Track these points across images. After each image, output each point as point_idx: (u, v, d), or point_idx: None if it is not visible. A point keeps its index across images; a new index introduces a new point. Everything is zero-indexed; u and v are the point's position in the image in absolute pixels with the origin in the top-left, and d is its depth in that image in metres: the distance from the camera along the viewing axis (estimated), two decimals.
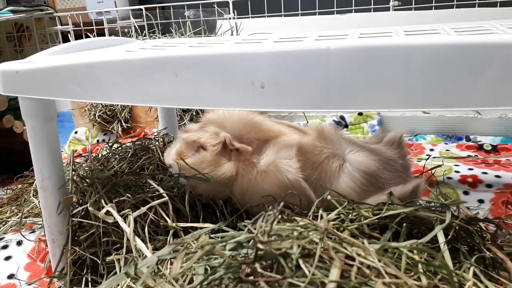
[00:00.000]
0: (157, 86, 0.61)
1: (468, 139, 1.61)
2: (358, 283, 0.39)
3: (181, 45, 0.94)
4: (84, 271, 0.79)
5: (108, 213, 0.69)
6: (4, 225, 1.04)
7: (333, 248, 0.42)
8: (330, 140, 0.75)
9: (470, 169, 1.21)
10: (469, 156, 1.41)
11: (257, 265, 0.42)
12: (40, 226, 1.01)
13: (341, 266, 0.41)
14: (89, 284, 0.78)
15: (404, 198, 0.69)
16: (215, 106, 0.60)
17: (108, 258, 0.62)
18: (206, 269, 0.47)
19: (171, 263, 0.55)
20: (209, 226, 0.63)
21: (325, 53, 0.53)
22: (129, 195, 0.70)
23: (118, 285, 0.56)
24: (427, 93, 0.51)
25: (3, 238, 0.99)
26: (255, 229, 0.44)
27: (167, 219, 0.64)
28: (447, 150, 1.50)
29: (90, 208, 0.70)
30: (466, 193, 1.10)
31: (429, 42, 0.51)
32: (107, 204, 0.69)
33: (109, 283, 0.49)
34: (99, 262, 0.75)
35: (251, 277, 0.42)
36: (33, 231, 1.01)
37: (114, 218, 0.66)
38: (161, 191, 0.69)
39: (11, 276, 0.89)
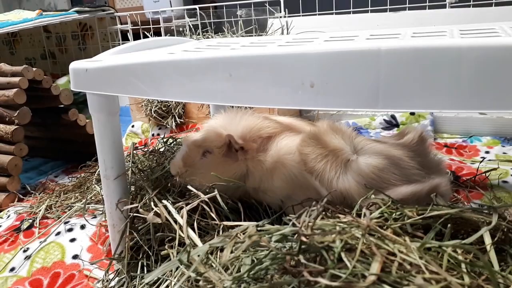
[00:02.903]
0: (212, 84, 0.65)
1: None
2: (399, 277, 0.41)
3: (234, 44, 0.98)
4: (140, 256, 0.86)
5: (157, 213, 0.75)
6: (69, 210, 1.13)
7: (375, 244, 0.44)
8: (336, 134, 0.75)
9: None
10: None
11: (300, 256, 0.44)
12: (101, 212, 1.09)
13: (382, 261, 0.43)
14: (144, 268, 0.84)
15: (419, 197, 0.67)
16: (266, 104, 0.63)
17: (163, 252, 0.67)
18: (252, 260, 0.51)
19: (221, 253, 0.59)
20: (253, 223, 0.66)
21: (375, 53, 0.55)
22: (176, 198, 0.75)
23: (172, 270, 0.60)
24: (480, 95, 0.51)
25: (68, 221, 1.08)
26: (299, 223, 0.46)
27: (215, 217, 0.68)
28: (504, 153, 1.44)
29: (140, 210, 0.76)
30: None
31: (480, 44, 0.51)
32: (156, 205, 0.74)
33: (164, 268, 0.54)
34: (154, 249, 0.81)
35: (296, 268, 0.44)
36: (95, 217, 1.10)
37: (165, 215, 0.72)
38: (202, 196, 0.72)
39: (75, 257, 0.97)
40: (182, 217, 0.65)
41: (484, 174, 1.13)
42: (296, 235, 0.45)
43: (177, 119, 1.87)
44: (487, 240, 0.53)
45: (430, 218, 0.55)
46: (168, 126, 1.92)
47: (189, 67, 0.67)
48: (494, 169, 1.15)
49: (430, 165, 0.78)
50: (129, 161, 0.91)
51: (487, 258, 0.52)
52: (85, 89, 0.78)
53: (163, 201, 0.72)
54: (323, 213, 0.49)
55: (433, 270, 0.42)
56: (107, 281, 0.87)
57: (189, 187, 0.72)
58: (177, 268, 0.55)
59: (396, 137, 0.84)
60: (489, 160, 1.36)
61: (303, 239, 0.45)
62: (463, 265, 0.46)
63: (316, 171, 0.73)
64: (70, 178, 1.45)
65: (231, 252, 0.48)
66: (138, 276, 0.83)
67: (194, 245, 0.61)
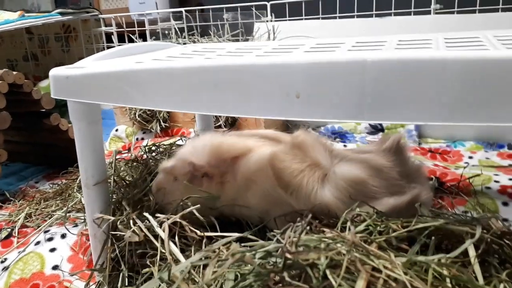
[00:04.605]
0: (197, 94, 0.64)
1: (510, 147, 1.56)
2: None
3: (220, 50, 0.97)
4: (122, 267, 0.84)
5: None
6: (50, 218, 1.11)
7: (360, 260, 0.43)
8: (310, 148, 0.73)
9: (510, 179, 1.17)
10: (510, 165, 1.37)
11: (285, 274, 0.43)
12: (82, 220, 1.07)
13: (367, 278, 0.42)
14: (126, 280, 0.82)
15: (400, 209, 0.66)
16: (251, 114, 0.62)
17: (144, 270, 0.65)
18: (236, 275, 0.50)
19: (203, 269, 0.58)
20: (235, 234, 0.65)
21: (361, 64, 0.54)
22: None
23: None
24: (464, 107, 0.51)
25: (48, 230, 1.06)
26: (283, 239, 0.45)
27: (194, 230, 0.67)
28: (487, 158, 1.45)
29: (119, 226, 0.75)
30: (505, 204, 1.06)
31: (465, 56, 0.51)
32: (134, 223, 0.73)
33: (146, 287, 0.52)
34: (134, 262, 0.80)
35: (280, 285, 0.43)
36: (76, 225, 1.07)
37: (145, 232, 0.70)
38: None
39: (55, 267, 0.95)
40: (164, 231, 0.64)
41: (468, 180, 1.14)
42: (281, 252, 0.44)
43: (162, 123, 1.85)
44: (471, 252, 0.53)
45: (415, 230, 0.55)
46: (152, 131, 1.89)
47: (174, 75, 0.65)
48: (478, 175, 1.16)
49: (409, 173, 0.77)
50: (111, 169, 0.89)
51: (471, 271, 0.52)
52: (66, 97, 0.76)
53: (145, 213, 0.70)
54: (307, 228, 0.48)
55: (418, 287, 0.41)
56: None
57: (158, 214, 0.71)
58: (159, 286, 0.53)
59: (377, 145, 0.84)
60: (473, 165, 1.37)
61: (288, 255, 0.44)
62: (447, 280, 0.46)
63: (292, 187, 0.71)
64: (51, 185, 1.42)
65: (215, 269, 0.46)
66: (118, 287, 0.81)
67: (176, 260, 0.60)
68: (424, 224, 0.55)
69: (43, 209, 1.15)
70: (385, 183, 0.71)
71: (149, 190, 0.85)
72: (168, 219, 0.67)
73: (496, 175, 1.21)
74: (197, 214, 0.68)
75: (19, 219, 1.11)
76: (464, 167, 1.21)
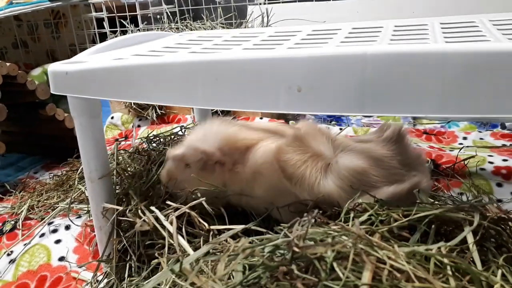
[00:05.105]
0: (198, 88, 0.65)
1: (503, 127, 1.58)
2: (389, 286, 0.42)
3: (216, 39, 0.97)
4: (128, 258, 0.86)
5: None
6: (52, 210, 1.12)
7: (365, 252, 0.45)
8: (313, 139, 0.75)
9: (504, 160, 1.20)
10: (503, 145, 1.39)
11: (293, 266, 0.45)
12: (85, 212, 1.08)
13: (372, 269, 0.44)
14: (133, 269, 0.84)
15: (400, 197, 0.68)
16: (253, 108, 0.63)
17: (154, 261, 0.67)
18: (244, 266, 0.51)
19: (212, 261, 0.60)
20: (241, 226, 0.66)
21: (361, 58, 0.55)
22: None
23: (162, 282, 0.59)
24: (463, 100, 0.52)
25: (52, 222, 1.07)
26: (290, 233, 0.47)
27: (202, 222, 0.68)
28: (481, 138, 1.48)
29: (128, 214, 0.76)
30: (499, 185, 1.09)
31: (464, 49, 0.52)
32: (143, 213, 0.74)
33: (157, 279, 0.54)
34: (141, 252, 0.81)
35: (288, 277, 0.45)
36: (79, 216, 1.08)
37: (153, 222, 0.72)
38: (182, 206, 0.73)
39: (61, 259, 0.96)
40: (171, 223, 0.65)
41: (463, 162, 1.16)
42: (288, 246, 0.46)
43: (157, 110, 1.85)
44: (470, 239, 0.56)
45: (418, 220, 0.57)
46: (148, 118, 1.89)
47: (175, 70, 0.66)
48: (472, 156, 1.19)
49: (409, 161, 0.78)
50: (113, 161, 0.90)
51: (470, 258, 0.54)
52: (66, 93, 0.76)
53: (151, 207, 0.72)
54: (313, 220, 0.50)
55: (421, 276, 0.44)
56: (95, 283, 0.87)
57: (168, 202, 0.72)
58: (169, 278, 0.55)
59: (377, 133, 0.85)
60: (467, 146, 1.39)
61: (296, 249, 0.46)
62: (448, 268, 0.48)
63: (296, 177, 0.73)
64: (51, 175, 1.43)
65: (226, 264, 0.48)
66: (126, 278, 0.83)
67: (184, 253, 0.62)
68: (424, 213, 0.57)
69: (45, 201, 1.16)
70: (386, 172, 0.72)
71: (156, 179, 0.86)
72: (178, 209, 0.68)
73: (490, 156, 1.23)
74: (206, 205, 0.69)
75: (22, 211, 1.12)
76: (460, 149, 1.23)
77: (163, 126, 1.79)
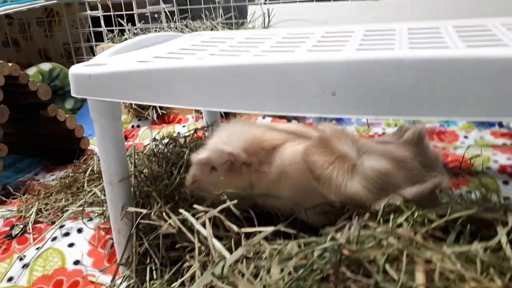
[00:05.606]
0: (228, 92, 0.65)
1: (501, 125, 1.62)
2: (444, 287, 0.43)
3: (229, 40, 0.97)
4: (148, 261, 0.85)
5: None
6: (62, 212, 1.10)
7: (415, 253, 0.46)
8: (338, 141, 0.76)
9: (508, 158, 1.23)
10: (504, 144, 1.43)
11: (344, 269, 0.46)
12: (97, 214, 1.07)
13: (424, 271, 0.45)
14: (154, 272, 0.83)
15: (422, 197, 0.69)
16: (286, 112, 0.63)
17: (186, 264, 0.67)
18: (281, 270, 0.51)
19: (241, 263, 0.60)
20: (271, 228, 0.66)
21: (398, 63, 0.56)
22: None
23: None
24: (498, 102, 0.53)
25: (63, 225, 1.05)
26: (338, 236, 0.48)
27: (231, 225, 0.68)
28: (481, 137, 1.51)
29: (153, 217, 0.75)
30: (506, 183, 1.12)
31: (499, 56, 0.53)
32: (168, 215, 0.74)
33: (199, 284, 0.54)
34: (162, 255, 0.81)
35: (339, 281, 0.46)
36: (91, 219, 1.07)
37: (178, 225, 0.71)
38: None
39: (77, 262, 0.95)
40: (204, 226, 0.65)
41: (469, 161, 1.19)
42: (339, 248, 0.46)
43: (158, 110, 1.84)
44: (503, 239, 0.57)
45: (451, 220, 0.58)
46: (148, 118, 1.88)
47: (204, 74, 0.66)
48: (478, 155, 1.21)
49: (429, 162, 0.80)
50: (131, 164, 0.89)
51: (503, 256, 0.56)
52: (88, 96, 0.75)
53: (180, 210, 0.71)
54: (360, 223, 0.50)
55: (473, 277, 0.45)
56: (114, 286, 0.87)
57: (195, 206, 0.72)
58: (210, 281, 0.55)
59: (396, 135, 0.87)
60: (470, 145, 1.42)
61: (345, 252, 0.46)
62: (491, 267, 0.49)
63: (323, 178, 0.73)
64: (56, 177, 1.40)
65: (279, 267, 0.48)
66: (148, 281, 0.82)
67: (220, 256, 0.62)
68: (460, 213, 0.58)
69: (53, 204, 1.14)
70: (408, 173, 0.74)
71: (179, 182, 0.85)
72: (206, 212, 0.68)
73: (494, 154, 1.26)
74: (234, 209, 0.69)
75: (31, 214, 1.10)
76: (466, 148, 1.26)
77: (164, 127, 1.78)
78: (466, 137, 1.52)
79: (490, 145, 1.41)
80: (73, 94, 0.77)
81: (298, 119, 1.79)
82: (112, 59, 0.80)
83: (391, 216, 0.56)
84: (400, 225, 0.56)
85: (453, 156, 1.27)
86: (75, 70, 0.76)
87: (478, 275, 0.45)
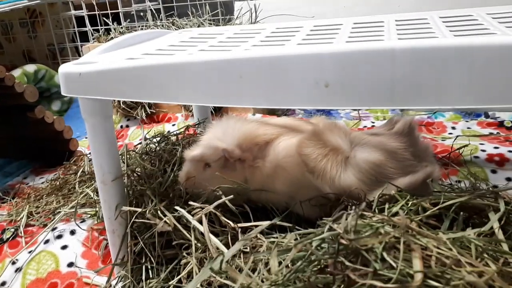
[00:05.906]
0: (222, 86, 0.65)
1: (487, 116, 1.64)
2: (440, 272, 0.44)
3: (219, 35, 0.97)
4: (143, 260, 0.85)
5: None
6: (53, 215, 1.09)
7: (411, 241, 0.47)
8: (331, 133, 0.77)
9: (496, 147, 1.25)
10: (491, 133, 1.45)
11: (342, 259, 0.46)
12: (89, 215, 1.06)
13: (421, 257, 0.46)
14: (150, 271, 0.83)
15: (414, 187, 0.70)
16: (280, 105, 0.63)
17: (183, 261, 0.67)
18: (279, 262, 0.52)
19: (238, 258, 0.60)
20: (267, 222, 0.67)
21: (390, 53, 0.56)
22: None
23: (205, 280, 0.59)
24: (488, 91, 0.54)
25: (56, 228, 1.04)
26: (336, 226, 0.48)
27: (227, 220, 0.68)
28: (469, 128, 1.53)
29: (148, 216, 0.75)
30: (494, 171, 1.14)
31: (490, 43, 0.54)
32: (163, 213, 0.74)
33: (198, 279, 0.54)
34: (157, 253, 0.81)
35: (338, 270, 0.46)
36: (83, 220, 1.06)
37: (174, 222, 0.71)
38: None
39: (70, 264, 0.94)
40: (201, 223, 0.65)
41: (458, 151, 1.20)
42: (337, 238, 0.47)
43: (147, 109, 1.82)
44: (495, 225, 0.58)
45: (444, 208, 0.59)
46: (137, 117, 1.86)
47: (196, 69, 0.65)
48: (466, 145, 1.23)
49: (419, 153, 0.81)
50: (123, 163, 0.88)
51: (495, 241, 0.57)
52: (79, 94, 0.75)
53: (176, 207, 0.71)
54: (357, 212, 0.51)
55: (468, 262, 0.45)
56: (109, 286, 0.86)
57: (191, 202, 0.72)
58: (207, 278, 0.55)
59: (387, 126, 0.87)
60: (457, 136, 1.44)
61: (343, 242, 0.47)
62: (485, 253, 0.50)
63: (318, 171, 0.74)
64: (45, 179, 1.39)
65: (278, 260, 0.49)
66: (144, 280, 0.82)
67: (217, 251, 0.62)
68: (452, 201, 0.59)
69: (44, 207, 1.13)
70: (400, 164, 0.75)
71: (173, 180, 0.85)
72: (202, 208, 0.68)
73: (482, 144, 1.28)
74: (230, 205, 0.69)
75: (21, 218, 1.09)
76: (455, 138, 1.27)
77: (153, 126, 1.77)
78: (453, 127, 1.55)
79: (477, 135, 1.43)
80: (63, 93, 0.76)
81: (287, 114, 1.80)
82: (102, 57, 0.79)
83: (386, 206, 0.57)
84: (396, 214, 0.57)
85: (442, 146, 1.29)
86: (65, 69, 0.75)
87: (473, 260, 0.46)
